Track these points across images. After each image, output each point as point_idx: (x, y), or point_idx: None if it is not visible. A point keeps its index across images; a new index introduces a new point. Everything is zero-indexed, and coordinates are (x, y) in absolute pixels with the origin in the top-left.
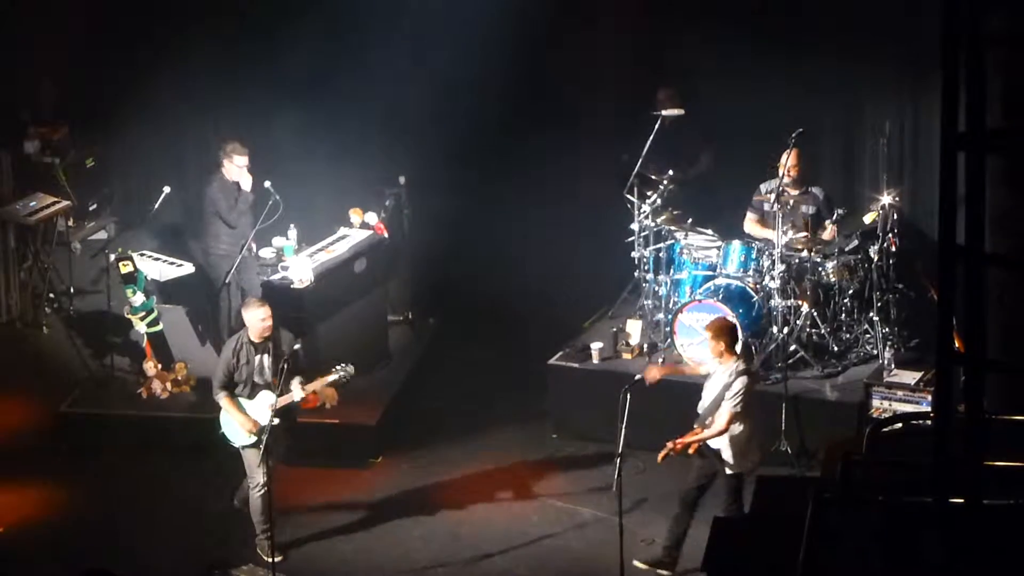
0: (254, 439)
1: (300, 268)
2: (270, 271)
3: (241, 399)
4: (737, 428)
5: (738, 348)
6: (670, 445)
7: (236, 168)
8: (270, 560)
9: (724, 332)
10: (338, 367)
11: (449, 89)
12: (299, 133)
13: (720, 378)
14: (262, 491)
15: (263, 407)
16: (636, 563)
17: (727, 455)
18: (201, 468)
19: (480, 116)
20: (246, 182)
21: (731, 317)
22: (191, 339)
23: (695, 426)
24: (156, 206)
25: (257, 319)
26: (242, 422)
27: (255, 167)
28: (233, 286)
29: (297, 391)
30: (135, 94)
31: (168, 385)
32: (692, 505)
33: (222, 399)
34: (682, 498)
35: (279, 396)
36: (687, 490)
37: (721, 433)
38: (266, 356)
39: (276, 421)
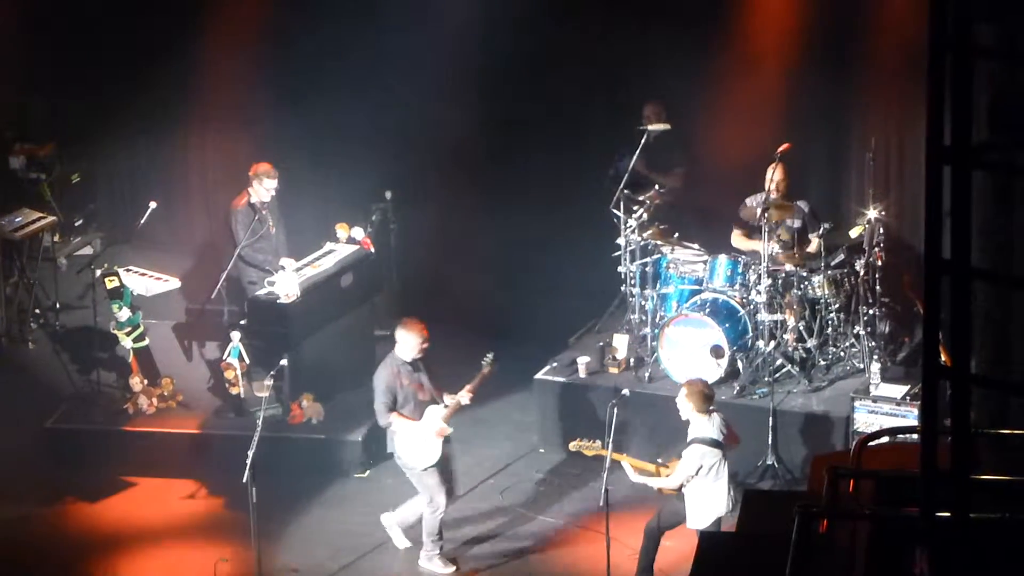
0: (437, 458)
1: (286, 283)
2: (255, 287)
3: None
4: (692, 488)
5: (704, 415)
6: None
7: (265, 191)
8: (447, 572)
9: (692, 395)
10: (484, 360)
11: (435, 105)
12: (285, 148)
13: (691, 431)
14: (440, 513)
15: (436, 421)
16: None
17: (686, 508)
18: (188, 483)
19: (467, 131)
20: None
21: (717, 332)
22: (177, 354)
23: (659, 460)
24: (142, 221)
25: (419, 340)
26: (429, 436)
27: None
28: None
29: (464, 396)
30: (121, 110)
31: (154, 400)
32: (657, 539)
33: (395, 420)
34: (647, 531)
35: (446, 406)
36: (651, 527)
37: (674, 490)
38: (422, 374)
39: (451, 429)
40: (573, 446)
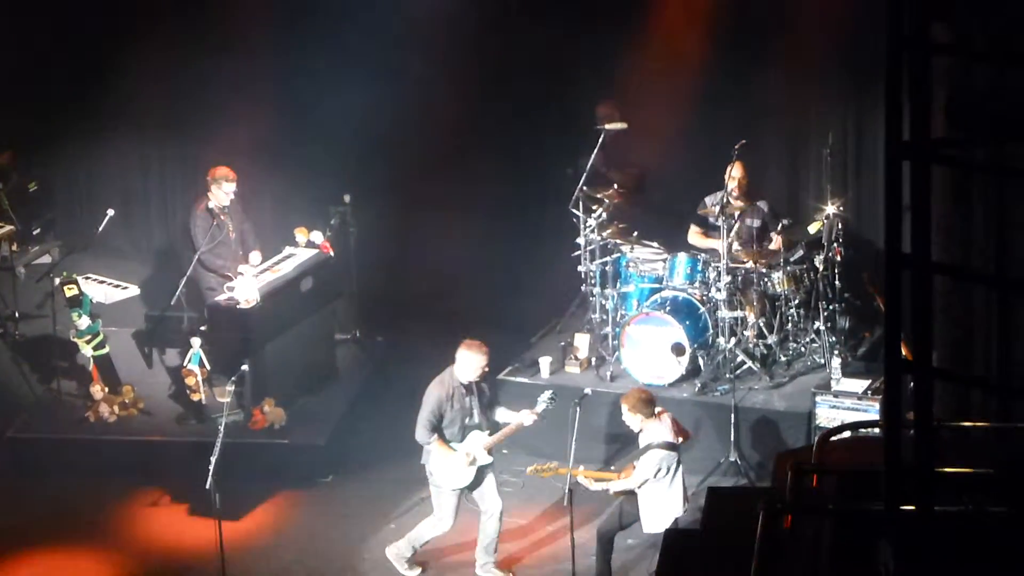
0: (468, 482)
1: (246, 288)
2: (215, 292)
3: (452, 442)
4: (648, 492)
5: (653, 420)
6: (585, 475)
7: (224, 195)
8: (411, 574)
9: (635, 407)
10: (544, 395)
11: (393, 108)
12: (242, 154)
13: (644, 437)
14: (439, 534)
15: (477, 448)
16: None
17: (642, 513)
18: (152, 491)
19: (425, 133)
20: (233, 209)
21: (677, 330)
22: (138, 362)
23: (612, 468)
24: (100, 229)
25: (480, 363)
26: (463, 463)
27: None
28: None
29: (527, 416)
30: (77, 119)
31: (115, 408)
32: (611, 541)
33: (434, 443)
34: (600, 535)
35: (490, 433)
36: (606, 530)
37: (631, 488)
38: (474, 398)
39: (491, 459)
40: (530, 471)
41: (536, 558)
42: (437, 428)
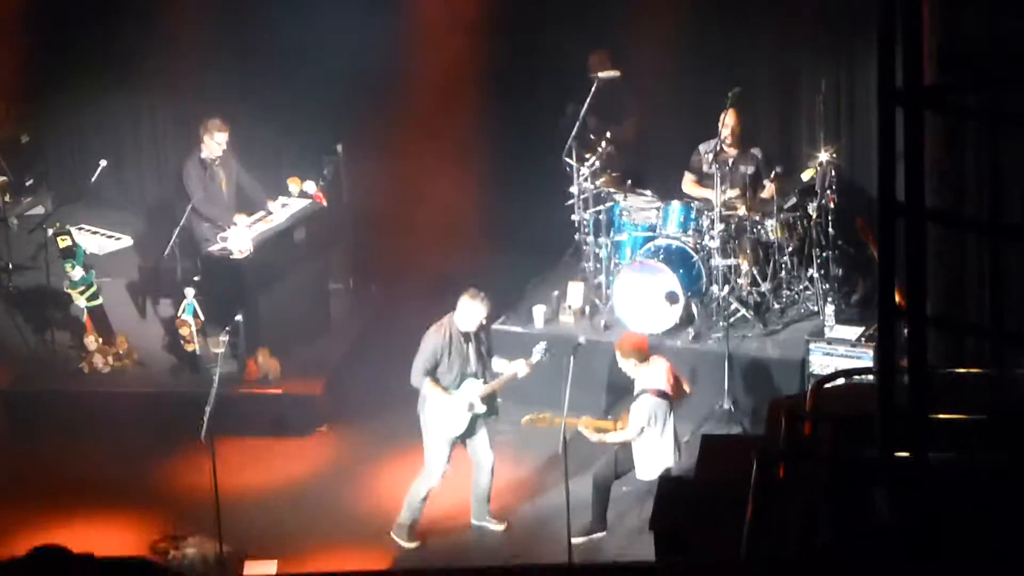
0: (459, 432)
1: (240, 239)
2: (208, 243)
3: (449, 389)
4: (644, 438)
5: (645, 366)
6: (585, 424)
7: (216, 145)
8: (407, 546)
9: (627, 353)
10: (539, 345)
11: (386, 55)
12: (234, 102)
13: (637, 383)
14: (430, 486)
15: (471, 396)
16: (574, 540)
17: (635, 459)
18: (144, 440)
19: (419, 82)
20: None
21: (671, 278)
22: (132, 312)
23: (609, 417)
24: (93, 180)
25: (479, 314)
26: (459, 411)
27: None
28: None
29: (520, 366)
30: (68, 69)
31: (110, 359)
32: (607, 488)
33: (427, 385)
34: (596, 480)
35: (485, 382)
36: (602, 475)
37: (631, 439)
38: (471, 346)
39: (484, 409)
40: (525, 421)
41: (531, 508)
42: (432, 373)
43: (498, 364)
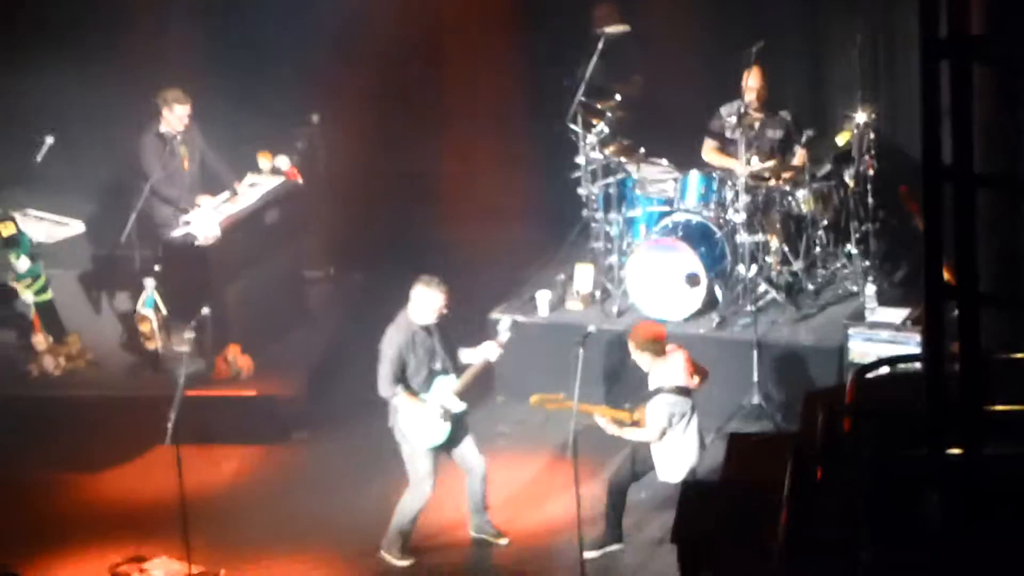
0: (444, 438)
1: (204, 222)
2: (169, 227)
3: (421, 394)
4: (665, 439)
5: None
6: (602, 412)
7: (176, 119)
8: (399, 564)
9: (642, 344)
10: (504, 321)
11: (364, 14)
12: (195, 68)
13: (653, 379)
14: (421, 503)
15: (446, 395)
16: (587, 555)
17: (655, 460)
18: (103, 450)
19: (401, 44)
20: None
21: (691, 257)
22: (85, 307)
23: (627, 405)
24: (38, 158)
25: (438, 302)
26: (434, 416)
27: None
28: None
29: (491, 349)
30: (7, 34)
31: (61, 360)
32: (624, 493)
33: (400, 395)
34: (612, 485)
35: (457, 376)
36: (619, 480)
37: (652, 440)
38: (435, 339)
39: (464, 406)
40: (535, 400)
41: (538, 517)
42: (401, 379)
43: (465, 354)
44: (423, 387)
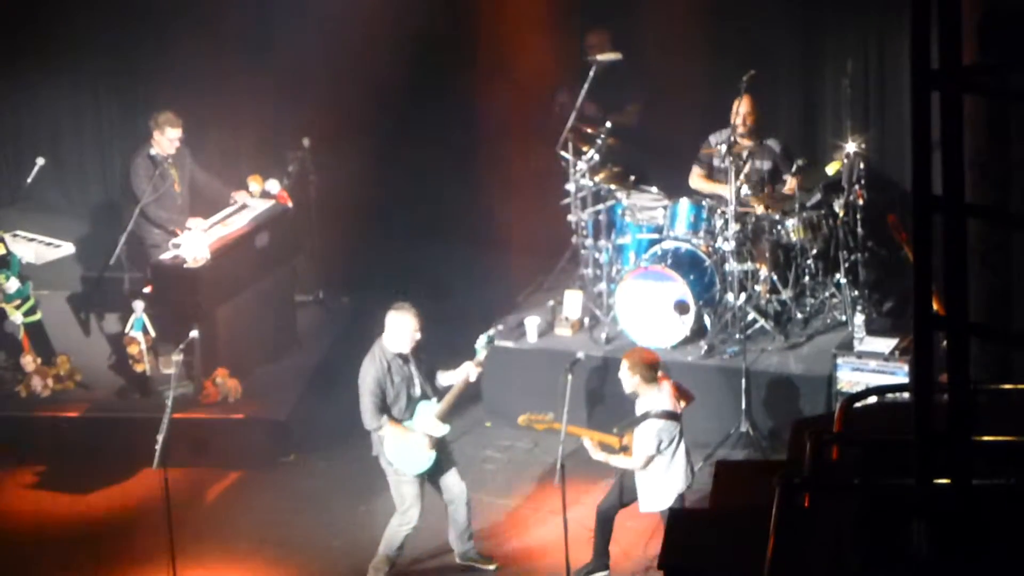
0: (428, 466)
1: (194, 245)
2: (159, 250)
3: (404, 421)
4: (651, 467)
5: (652, 386)
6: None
7: (168, 141)
8: None
9: (636, 367)
10: (480, 339)
11: (357, 39)
12: (187, 92)
13: (640, 404)
14: (409, 528)
15: (429, 420)
16: None
17: (639, 491)
18: (92, 472)
19: (393, 68)
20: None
21: (680, 285)
22: (74, 329)
23: (615, 430)
24: (29, 180)
25: (411, 328)
26: (421, 441)
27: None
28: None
29: (471, 369)
30: (2, 59)
31: (50, 382)
32: (611, 520)
33: (387, 426)
34: (600, 513)
35: (438, 400)
36: (607, 507)
37: (636, 468)
38: (411, 365)
39: (448, 428)
40: (523, 420)
41: (525, 543)
42: (385, 409)
43: (444, 376)
44: (404, 414)
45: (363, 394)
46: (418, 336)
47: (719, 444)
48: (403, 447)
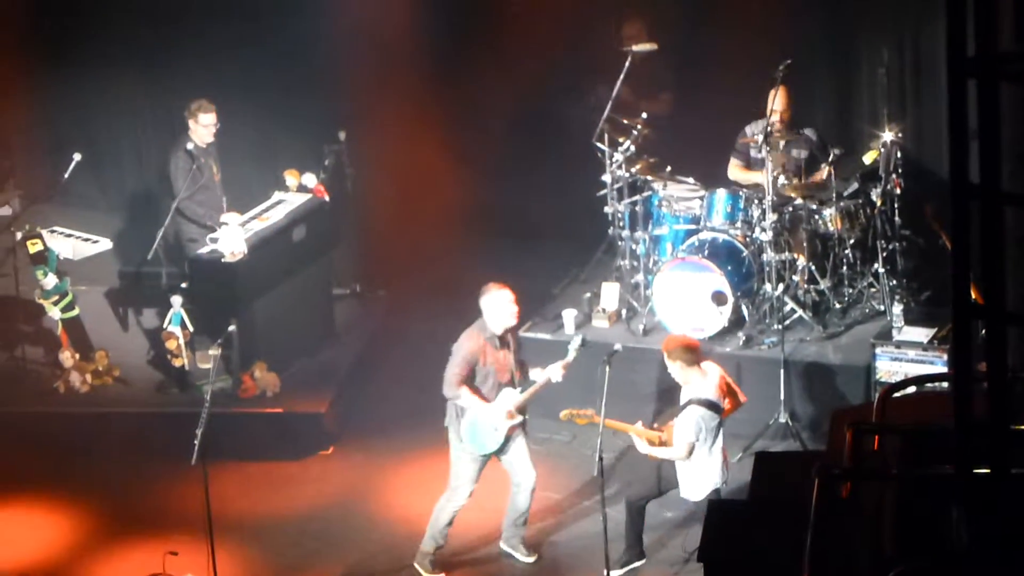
0: (495, 448)
1: (231, 239)
2: (197, 244)
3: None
4: (692, 457)
5: (695, 371)
6: (641, 434)
7: (203, 129)
8: None
9: (674, 354)
10: (572, 343)
11: (392, 31)
12: (225, 87)
13: (684, 391)
14: (457, 507)
15: (508, 408)
16: (612, 574)
17: (679, 478)
18: (129, 467)
19: (428, 60)
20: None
21: (717, 276)
22: (112, 324)
23: (655, 424)
24: (66, 175)
25: (506, 303)
26: (499, 423)
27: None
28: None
29: (555, 372)
30: (38, 54)
31: (88, 377)
32: (642, 510)
33: (465, 396)
34: (632, 503)
35: (521, 391)
36: (638, 497)
37: (680, 458)
38: (508, 352)
39: (522, 419)
40: (564, 415)
41: (566, 536)
42: (467, 383)
43: (533, 373)
44: (490, 396)
45: (453, 361)
46: (515, 309)
47: (758, 435)
48: (477, 423)
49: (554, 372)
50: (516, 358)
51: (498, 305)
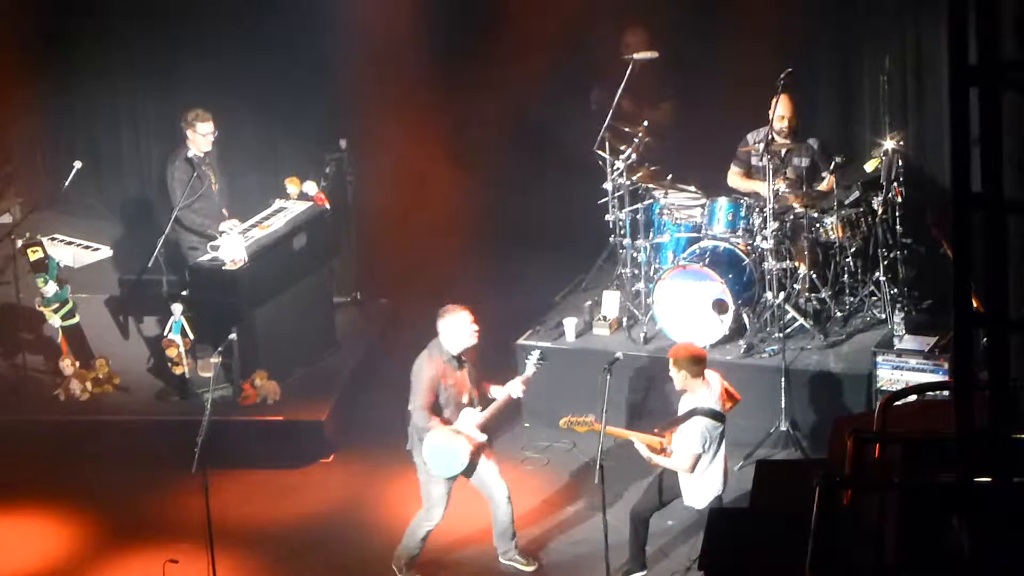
0: (461, 470)
1: (232, 247)
2: (197, 252)
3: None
4: (697, 467)
5: (699, 381)
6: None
7: (201, 137)
8: None
9: (681, 362)
10: (530, 358)
11: (395, 39)
12: (224, 94)
13: (686, 400)
14: (430, 527)
15: (470, 428)
16: None
17: (681, 485)
18: (129, 475)
19: (429, 69)
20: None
21: (719, 284)
22: (112, 332)
23: (656, 430)
24: (66, 183)
25: (467, 324)
26: (462, 447)
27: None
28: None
29: (516, 387)
30: (38, 61)
31: (88, 385)
32: (646, 522)
33: (435, 426)
34: (637, 514)
35: (482, 409)
36: (642, 509)
37: (684, 471)
38: (465, 372)
39: (486, 438)
40: (564, 423)
41: (564, 542)
42: (436, 409)
43: (492, 390)
44: (451, 418)
45: (418, 391)
46: (476, 334)
47: (759, 443)
48: (441, 449)
49: (514, 388)
50: (473, 377)
51: (459, 327)
